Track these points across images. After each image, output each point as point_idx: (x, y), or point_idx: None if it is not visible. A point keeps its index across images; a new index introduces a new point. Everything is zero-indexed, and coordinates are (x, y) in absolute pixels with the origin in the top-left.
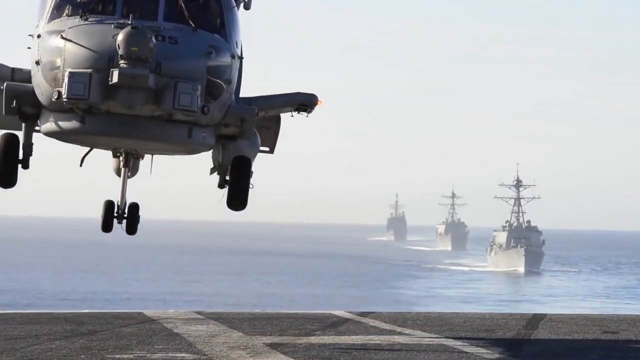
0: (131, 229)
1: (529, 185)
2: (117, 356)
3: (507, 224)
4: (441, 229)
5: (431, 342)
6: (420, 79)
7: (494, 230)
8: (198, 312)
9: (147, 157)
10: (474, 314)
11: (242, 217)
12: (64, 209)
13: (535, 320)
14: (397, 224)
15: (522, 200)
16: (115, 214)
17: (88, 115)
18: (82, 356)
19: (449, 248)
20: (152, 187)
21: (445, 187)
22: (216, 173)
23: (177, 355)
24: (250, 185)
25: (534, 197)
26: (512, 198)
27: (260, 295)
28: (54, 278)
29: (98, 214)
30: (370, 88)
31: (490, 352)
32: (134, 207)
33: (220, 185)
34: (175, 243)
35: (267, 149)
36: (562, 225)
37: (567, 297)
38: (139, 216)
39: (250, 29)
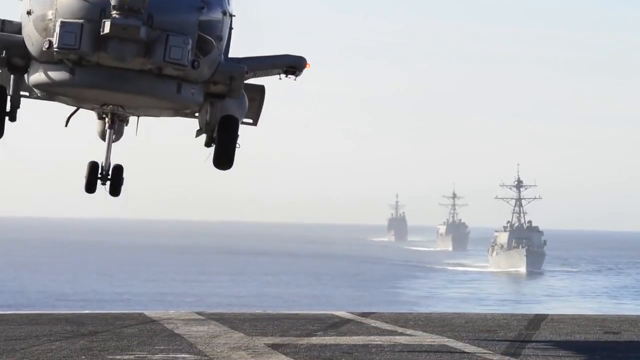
0: (115, 191)
1: (530, 186)
2: (118, 357)
3: (509, 224)
4: (442, 229)
5: (433, 343)
6: (421, 79)
7: (495, 231)
8: (199, 313)
9: (132, 121)
10: (475, 315)
11: (241, 218)
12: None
13: (537, 320)
14: (398, 224)
15: (523, 201)
16: (99, 175)
17: (78, 67)
18: (83, 357)
19: (450, 248)
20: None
21: (446, 187)
22: (203, 132)
23: (178, 355)
24: (237, 145)
25: (535, 198)
26: (513, 198)
27: (262, 295)
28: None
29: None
30: (370, 88)
31: (491, 352)
32: (118, 169)
33: (207, 144)
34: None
35: (250, 120)
36: (563, 226)
37: (569, 297)
38: (123, 178)
39: (249, 29)
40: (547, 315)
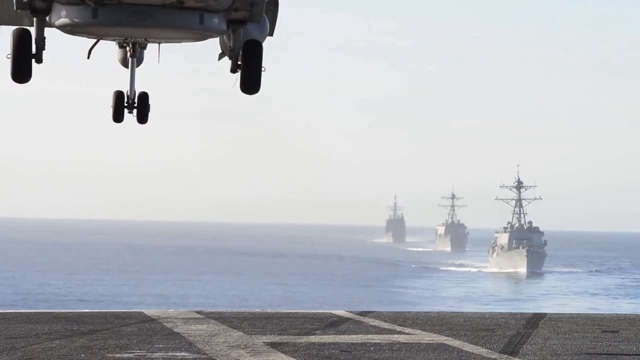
0: (142, 118)
1: (530, 187)
2: (117, 355)
3: (509, 225)
4: (441, 230)
5: (431, 342)
6: (420, 79)
7: (496, 232)
8: (198, 312)
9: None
10: (474, 314)
11: (241, 220)
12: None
13: (535, 319)
14: (396, 225)
15: (523, 202)
16: (125, 104)
17: (100, 7)
18: (82, 355)
19: (448, 249)
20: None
21: (445, 188)
22: (227, 58)
23: (177, 354)
24: (263, 68)
25: (535, 198)
26: (513, 199)
27: (265, 295)
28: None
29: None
30: (369, 88)
31: (490, 351)
32: (144, 96)
33: (233, 70)
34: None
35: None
36: (563, 226)
37: (569, 297)
38: (149, 105)
39: None
40: (546, 314)
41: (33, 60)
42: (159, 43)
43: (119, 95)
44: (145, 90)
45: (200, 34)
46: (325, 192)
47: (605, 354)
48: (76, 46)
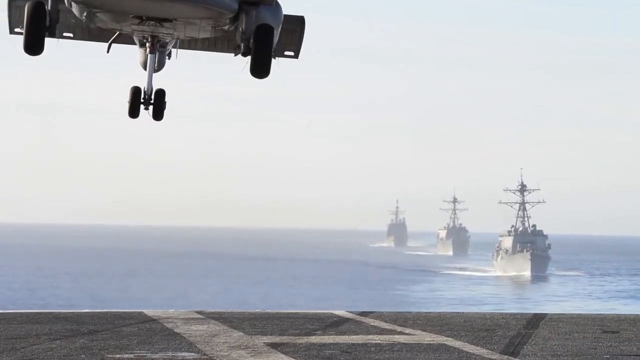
0: (157, 115)
1: (534, 190)
2: (118, 356)
3: (513, 228)
4: (442, 233)
5: (432, 342)
6: (421, 83)
7: (500, 235)
8: (198, 312)
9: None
10: (474, 314)
11: (242, 224)
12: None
13: (536, 319)
14: (398, 229)
15: (527, 205)
16: (142, 100)
17: None
18: (83, 356)
19: (450, 253)
20: None
21: (447, 192)
22: (241, 50)
23: (178, 354)
24: (273, 55)
25: (539, 202)
26: (517, 203)
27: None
28: None
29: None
30: (371, 92)
31: (490, 351)
32: (161, 93)
33: (244, 54)
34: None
35: (292, 53)
36: (567, 230)
37: (573, 299)
38: (165, 102)
39: None
40: (546, 314)
41: (47, 33)
42: (176, 38)
43: (136, 91)
44: (162, 88)
45: (213, 11)
46: (326, 197)
47: (605, 354)
48: (76, 48)
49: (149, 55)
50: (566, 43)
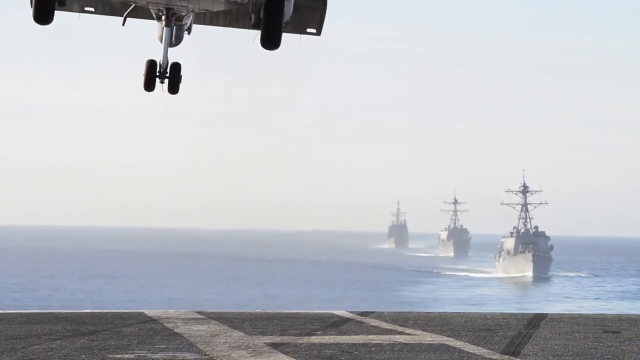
0: (173, 88)
1: (536, 191)
2: (118, 356)
3: (515, 229)
4: (443, 235)
5: (432, 342)
6: (422, 84)
7: (502, 236)
8: (199, 312)
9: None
10: (475, 314)
11: (244, 226)
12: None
13: (537, 319)
14: (398, 231)
15: (529, 206)
16: (157, 73)
17: None
18: (83, 356)
19: (451, 254)
20: None
21: (447, 193)
22: (257, 26)
23: (178, 355)
24: (284, 26)
25: (541, 203)
26: (519, 204)
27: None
28: None
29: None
30: (372, 94)
31: (491, 351)
32: (176, 67)
33: (255, 26)
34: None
35: (314, 30)
36: (570, 231)
37: (573, 300)
38: (180, 75)
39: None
40: (547, 314)
41: (56, 2)
42: (191, 11)
43: (151, 64)
44: (178, 61)
45: None
46: (327, 199)
47: (606, 354)
48: (76, 51)
49: (164, 28)
50: (570, 44)
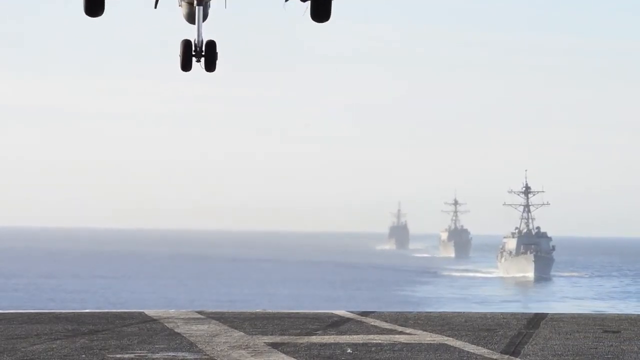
0: (209, 66)
1: (538, 192)
2: (118, 356)
3: (517, 230)
4: (444, 235)
5: (432, 342)
6: (423, 85)
7: (504, 237)
8: (199, 312)
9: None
10: (475, 314)
11: (243, 227)
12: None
13: (537, 319)
14: (399, 232)
15: (531, 207)
16: (193, 53)
17: None
18: (83, 356)
19: (452, 255)
20: None
21: (448, 194)
22: None
23: (178, 354)
24: None
25: (543, 204)
26: (521, 205)
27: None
28: None
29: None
30: (372, 94)
31: (491, 351)
32: (212, 44)
33: None
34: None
35: None
36: (572, 232)
37: (574, 300)
38: (216, 53)
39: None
40: (547, 314)
41: None
42: None
43: (187, 44)
44: (212, 39)
45: None
46: (327, 199)
47: (606, 354)
48: (75, 52)
49: (196, 7)
50: (571, 45)
